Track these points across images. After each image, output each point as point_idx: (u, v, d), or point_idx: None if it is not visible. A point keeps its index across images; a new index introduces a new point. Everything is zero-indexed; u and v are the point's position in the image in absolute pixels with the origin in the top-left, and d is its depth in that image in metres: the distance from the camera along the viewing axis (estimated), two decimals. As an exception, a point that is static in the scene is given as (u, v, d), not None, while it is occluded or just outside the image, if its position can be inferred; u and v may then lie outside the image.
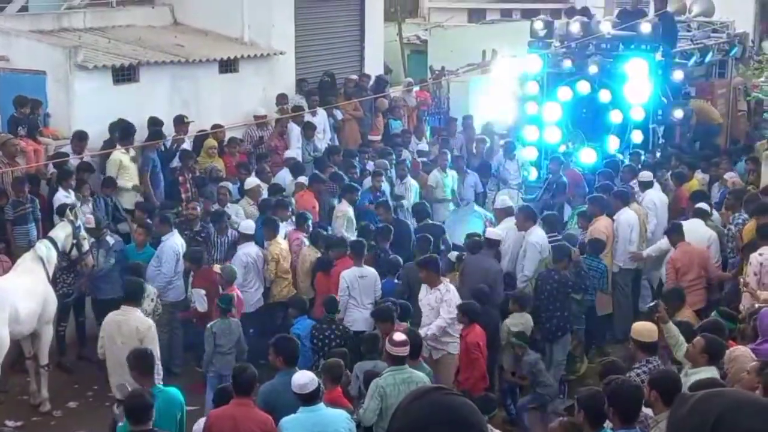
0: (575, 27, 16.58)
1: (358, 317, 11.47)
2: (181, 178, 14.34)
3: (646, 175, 14.55)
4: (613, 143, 16.32)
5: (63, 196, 12.62)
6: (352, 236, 13.08)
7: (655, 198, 14.13)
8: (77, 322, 12.61)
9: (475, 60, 22.34)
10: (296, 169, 15.01)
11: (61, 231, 11.49)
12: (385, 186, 15.13)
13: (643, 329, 8.57)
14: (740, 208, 13.22)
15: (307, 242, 12.82)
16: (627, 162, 15.61)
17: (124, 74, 14.96)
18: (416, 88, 19.85)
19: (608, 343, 13.04)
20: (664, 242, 12.85)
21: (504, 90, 18.64)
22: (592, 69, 16.20)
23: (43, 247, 11.18)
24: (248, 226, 12.48)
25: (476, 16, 30.47)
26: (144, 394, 7.39)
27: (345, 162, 15.58)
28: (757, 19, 30.46)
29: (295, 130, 16.46)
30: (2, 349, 10.49)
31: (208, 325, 10.72)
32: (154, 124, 14.58)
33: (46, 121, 14.28)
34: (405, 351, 8.40)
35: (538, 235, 12.24)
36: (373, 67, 19.86)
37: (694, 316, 10.57)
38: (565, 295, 11.61)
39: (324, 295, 11.60)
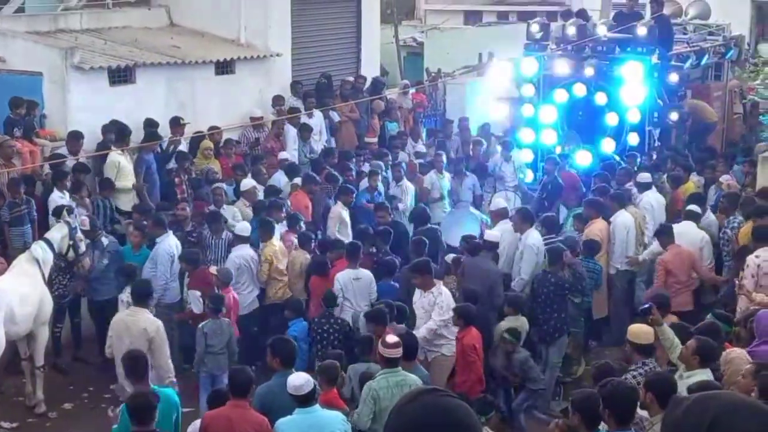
0: (571, 30, 16.60)
1: (354, 319, 11.48)
2: (177, 180, 14.33)
3: (644, 176, 14.58)
4: (609, 145, 16.35)
5: (58, 197, 12.61)
6: (346, 238, 13.09)
7: (653, 200, 14.14)
8: (73, 323, 12.60)
9: (472, 62, 22.36)
10: (291, 170, 15.00)
11: (57, 232, 11.49)
12: (380, 187, 15.15)
13: (639, 331, 8.58)
14: (735, 211, 13.25)
15: (296, 243, 12.82)
16: (623, 164, 15.63)
17: (121, 75, 14.95)
18: (412, 90, 19.85)
19: (605, 346, 13.05)
20: (656, 245, 12.88)
21: (500, 92, 18.65)
22: (589, 72, 16.23)
23: (38, 248, 11.18)
24: (243, 227, 12.48)
25: (472, 18, 30.50)
26: (148, 394, 7.41)
27: (341, 164, 15.59)
28: (753, 22, 30.51)
29: (291, 132, 16.45)
30: (-2, 351, 10.49)
31: (200, 325, 10.77)
32: (150, 125, 14.57)
33: (43, 123, 14.26)
34: (398, 353, 8.40)
35: (535, 237, 12.25)
36: (370, 69, 19.86)
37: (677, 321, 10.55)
38: (562, 297, 11.61)
39: (319, 297, 11.59)
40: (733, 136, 19.61)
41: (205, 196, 13.76)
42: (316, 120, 17.12)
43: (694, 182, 15.40)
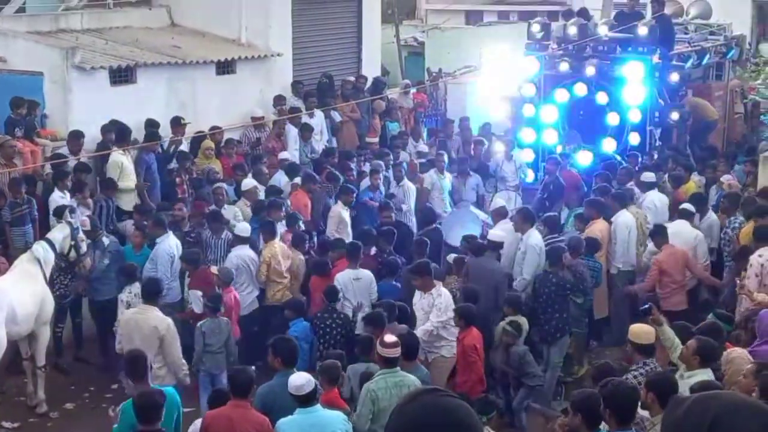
0: (572, 29, 16.60)
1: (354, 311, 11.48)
2: (178, 180, 14.34)
3: (648, 175, 14.59)
4: (610, 145, 16.35)
5: (59, 197, 12.62)
6: (346, 238, 13.09)
7: (656, 199, 14.14)
8: (74, 323, 12.60)
9: (473, 62, 22.35)
10: (291, 170, 15.01)
11: (59, 233, 11.49)
12: (381, 187, 15.17)
13: (641, 331, 8.57)
14: (736, 212, 13.25)
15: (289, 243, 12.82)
16: (624, 164, 15.63)
17: (122, 75, 14.96)
18: (413, 90, 19.85)
19: (605, 346, 13.05)
20: (651, 245, 12.90)
21: (502, 92, 18.65)
22: (590, 71, 16.23)
23: (40, 248, 11.18)
24: (243, 228, 12.46)
25: (473, 18, 30.49)
26: (154, 393, 7.42)
27: (341, 163, 15.59)
28: (754, 21, 30.48)
29: (292, 132, 16.45)
30: (0, 351, 10.49)
31: (198, 324, 10.78)
32: (151, 125, 14.58)
33: (44, 123, 14.27)
34: (396, 353, 8.39)
35: (537, 237, 12.25)
36: (371, 69, 19.86)
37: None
38: (564, 297, 11.61)
39: (319, 296, 11.59)
40: (735, 135, 19.60)
41: (206, 196, 13.76)
42: (317, 120, 17.13)
43: (695, 182, 15.39)
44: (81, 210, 12.41)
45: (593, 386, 7.32)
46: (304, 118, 16.62)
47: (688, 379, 7.46)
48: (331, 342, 10.82)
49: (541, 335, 11.59)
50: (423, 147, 17.79)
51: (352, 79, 18.77)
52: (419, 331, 10.32)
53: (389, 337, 8.51)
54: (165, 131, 14.80)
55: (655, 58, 16.10)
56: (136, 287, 11.28)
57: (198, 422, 8.10)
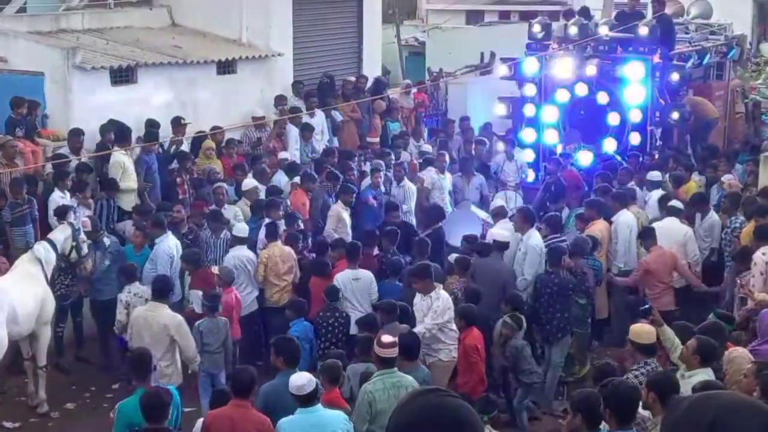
0: (573, 29, 16.59)
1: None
2: (178, 180, 14.33)
3: (654, 174, 14.62)
4: (610, 145, 16.35)
5: (59, 197, 12.61)
6: (345, 238, 13.09)
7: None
8: (75, 323, 12.60)
9: (473, 62, 22.37)
10: (291, 169, 15.01)
11: (61, 233, 11.48)
12: (381, 186, 15.17)
13: (641, 331, 8.57)
14: (736, 211, 13.25)
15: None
16: (624, 164, 15.63)
17: (122, 75, 14.96)
18: (414, 90, 19.85)
19: (606, 346, 13.05)
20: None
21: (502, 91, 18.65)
22: (590, 71, 16.23)
23: (41, 248, 11.18)
24: (241, 228, 12.43)
25: (474, 18, 30.52)
26: (162, 392, 7.44)
27: (342, 163, 15.58)
28: (754, 21, 30.52)
29: (293, 132, 16.45)
30: (1, 351, 10.49)
31: (196, 324, 10.75)
32: (151, 125, 14.59)
33: (45, 123, 14.27)
34: (393, 353, 8.37)
35: (537, 238, 12.25)
36: (371, 69, 19.86)
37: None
38: (566, 297, 11.61)
39: (319, 297, 11.57)
40: (736, 135, 19.60)
41: (206, 196, 13.76)
42: (318, 120, 17.13)
43: (695, 181, 15.39)
44: (82, 210, 12.40)
45: (594, 386, 7.31)
46: (305, 118, 16.62)
47: (689, 379, 7.46)
48: (333, 341, 10.83)
49: (542, 335, 11.60)
50: (426, 146, 17.77)
51: (353, 79, 18.78)
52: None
53: (386, 337, 8.49)
54: (165, 131, 14.79)
55: (656, 58, 16.10)
56: (136, 287, 11.30)
57: (200, 422, 8.11)
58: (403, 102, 19.25)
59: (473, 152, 17.69)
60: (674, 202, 13.50)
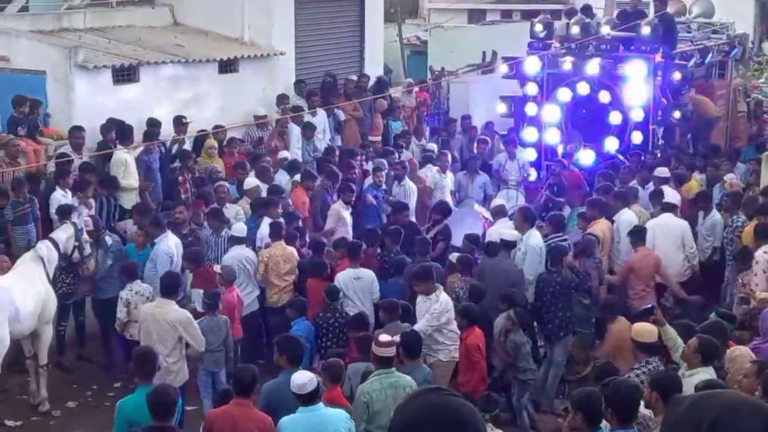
0: (575, 28, 16.60)
1: None
2: (180, 179, 14.33)
3: (661, 170, 14.62)
4: (612, 144, 16.35)
5: (60, 196, 12.61)
6: (346, 236, 13.08)
7: (669, 195, 14.11)
8: (77, 321, 12.60)
9: (475, 61, 22.36)
10: (292, 168, 15.01)
11: (63, 233, 11.48)
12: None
13: (643, 330, 8.58)
14: (738, 210, 13.25)
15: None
16: (626, 163, 15.63)
17: (124, 74, 14.96)
18: (416, 89, 19.85)
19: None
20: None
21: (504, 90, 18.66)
22: (592, 70, 16.23)
23: (43, 247, 11.18)
24: (239, 228, 12.39)
25: (476, 17, 30.54)
26: (169, 390, 7.43)
27: (343, 162, 15.57)
28: (756, 20, 30.51)
29: (294, 131, 16.45)
30: (2, 349, 10.49)
31: (195, 323, 10.72)
32: (153, 125, 14.59)
33: (47, 122, 14.28)
34: (391, 352, 8.36)
35: (537, 237, 12.24)
36: (373, 68, 19.86)
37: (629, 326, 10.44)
38: (568, 296, 11.60)
39: (317, 299, 11.52)
40: (738, 134, 19.60)
41: (208, 195, 13.76)
42: (320, 119, 17.12)
43: (697, 180, 15.39)
44: (81, 209, 12.39)
45: (596, 385, 7.31)
46: (307, 117, 16.62)
47: (690, 378, 7.46)
48: (334, 341, 10.83)
49: (544, 333, 11.60)
50: (430, 145, 17.76)
51: (355, 77, 18.78)
52: None
53: (384, 336, 8.49)
54: (167, 130, 14.80)
55: (658, 57, 16.11)
56: (138, 285, 11.31)
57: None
58: (404, 101, 19.25)
59: (475, 151, 17.69)
60: (669, 199, 13.48)
